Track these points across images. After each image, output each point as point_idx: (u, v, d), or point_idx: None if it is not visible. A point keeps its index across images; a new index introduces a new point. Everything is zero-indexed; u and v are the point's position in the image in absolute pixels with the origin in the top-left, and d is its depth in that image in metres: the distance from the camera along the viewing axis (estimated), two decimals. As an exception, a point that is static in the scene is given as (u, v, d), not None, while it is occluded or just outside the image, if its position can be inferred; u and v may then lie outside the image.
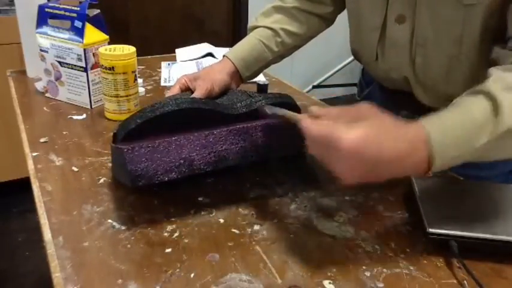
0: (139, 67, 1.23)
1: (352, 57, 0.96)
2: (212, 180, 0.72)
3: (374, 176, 0.52)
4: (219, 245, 0.58)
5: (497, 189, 0.67)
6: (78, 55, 0.94)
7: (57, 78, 1.00)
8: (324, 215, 0.65)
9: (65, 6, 0.96)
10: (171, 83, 1.14)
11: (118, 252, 0.56)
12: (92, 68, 0.96)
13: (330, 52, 3.17)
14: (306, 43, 0.95)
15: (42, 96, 1.03)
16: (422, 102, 0.80)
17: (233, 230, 0.61)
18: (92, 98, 0.98)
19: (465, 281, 0.54)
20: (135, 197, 0.67)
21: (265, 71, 0.96)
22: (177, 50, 1.41)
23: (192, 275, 0.53)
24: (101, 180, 0.71)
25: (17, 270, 1.75)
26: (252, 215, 0.64)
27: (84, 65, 0.95)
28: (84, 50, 0.94)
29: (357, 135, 0.49)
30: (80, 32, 0.94)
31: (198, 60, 1.33)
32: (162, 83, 1.15)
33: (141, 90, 1.06)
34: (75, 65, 0.96)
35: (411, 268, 0.56)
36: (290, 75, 2.97)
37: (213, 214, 0.64)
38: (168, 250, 0.57)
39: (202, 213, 0.64)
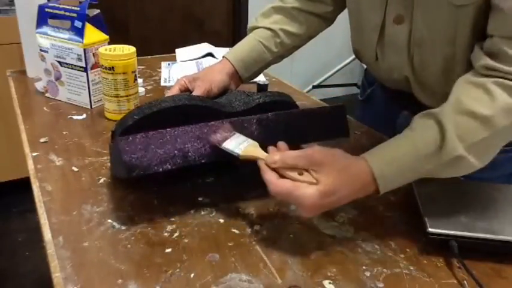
0: (139, 67, 1.23)
1: (352, 57, 0.96)
2: (212, 180, 0.72)
3: (331, 208, 0.58)
4: (219, 245, 0.58)
5: (497, 189, 0.68)
6: (78, 55, 0.94)
7: (57, 78, 1.00)
8: (324, 215, 0.65)
9: (65, 6, 0.96)
10: (171, 83, 1.14)
11: (118, 252, 0.56)
12: (92, 68, 0.96)
13: (330, 52, 3.17)
14: (306, 43, 0.95)
15: (42, 96, 1.03)
16: (422, 102, 0.81)
17: (233, 230, 0.61)
18: (92, 98, 0.98)
19: (465, 281, 0.54)
20: (135, 197, 0.67)
21: (265, 71, 0.96)
22: (177, 50, 1.40)
23: (192, 275, 0.53)
24: (101, 180, 0.71)
25: (17, 270, 1.75)
26: (252, 215, 0.64)
27: (84, 65, 0.95)
28: (84, 50, 0.94)
29: (317, 194, 0.55)
30: (80, 32, 0.94)
31: (198, 60, 1.33)
32: (162, 83, 1.15)
33: (141, 90, 1.06)
34: (75, 65, 0.96)
35: (411, 268, 0.56)
36: (290, 75, 2.97)
37: (213, 214, 0.64)
38: (168, 250, 0.57)
39: (202, 213, 0.64)
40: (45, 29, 0.98)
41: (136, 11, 2.57)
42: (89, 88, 0.97)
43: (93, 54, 0.95)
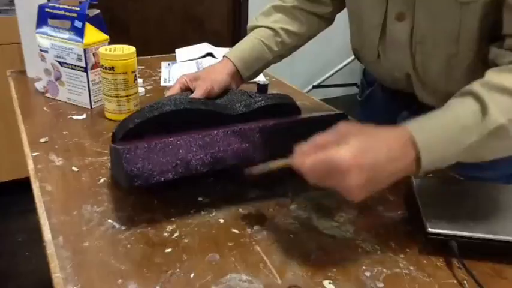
0: (139, 67, 1.23)
1: (352, 57, 0.96)
2: (212, 180, 0.72)
3: (374, 183, 0.54)
4: (219, 245, 0.58)
5: (497, 189, 0.67)
6: (78, 55, 0.94)
7: (57, 78, 1.00)
8: (324, 215, 0.65)
9: (65, 6, 0.96)
10: (171, 83, 1.14)
11: (118, 252, 0.56)
12: (92, 68, 0.96)
13: (330, 52, 3.17)
14: (306, 43, 0.95)
15: (42, 96, 1.03)
16: (423, 101, 0.80)
17: (233, 230, 0.61)
18: (92, 98, 0.98)
19: (465, 281, 0.54)
20: (135, 197, 0.67)
21: (265, 71, 0.96)
22: (177, 50, 1.41)
23: (192, 275, 0.53)
24: (101, 180, 0.71)
25: (17, 270, 1.75)
26: (252, 215, 0.64)
27: (84, 65, 0.95)
28: (84, 50, 0.94)
29: (351, 149, 0.52)
30: (80, 32, 0.94)
31: (198, 60, 1.33)
32: (162, 83, 1.15)
33: (141, 90, 1.06)
34: (75, 65, 0.96)
35: (411, 268, 0.56)
36: (290, 75, 2.97)
37: (213, 214, 0.64)
38: (168, 250, 0.57)
39: (202, 213, 0.64)
40: (45, 29, 0.98)
41: (136, 11, 2.57)
42: (89, 88, 0.97)
43: (93, 54, 0.95)
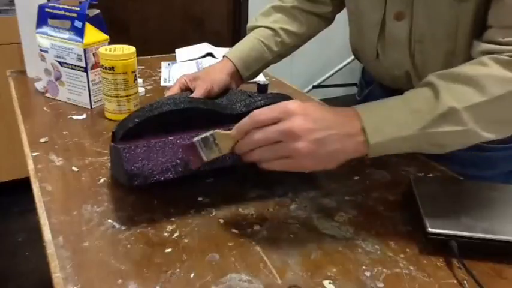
0: (139, 67, 1.23)
1: (352, 57, 0.96)
2: (212, 180, 0.72)
3: (323, 149, 0.55)
4: (219, 245, 0.58)
5: (497, 189, 0.67)
6: (78, 55, 0.94)
7: (57, 78, 1.00)
8: (324, 215, 0.65)
9: (65, 6, 0.96)
10: (171, 83, 1.14)
11: (118, 252, 0.56)
12: (92, 68, 0.96)
13: (330, 52, 3.17)
14: (305, 43, 0.95)
15: (42, 96, 1.03)
16: None
17: (233, 230, 0.61)
18: (92, 98, 0.98)
19: (465, 281, 0.54)
20: (135, 197, 0.67)
21: (265, 71, 0.96)
22: (177, 50, 1.41)
23: (192, 275, 0.53)
24: (101, 180, 0.71)
25: (17, 270, 1.75)
26: (252, 215, 0.64)
27: (84, 65, 0.95)
28: (84, 50, 0.94)
29: (298, 103, 0.55)
30: (80, 32, 0.94)
31: (198, 60, 1.33)
32: (162, 83, 1.15)
33: (141, 90, 1.06)
34: (75, 65, 0.96)
35: (411, 268, 0.56)
36: (290, 75, 2.97)
37: (213, 214, 0.64)
38: (168, 250, 0.57)
39: (202, 213, 0.64)
40: (45, 29, 0.98)
41: (136, 11, 2.57)
42: (89, 88, 0.97)
43: (93, 54, 0.95)
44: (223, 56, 0.89)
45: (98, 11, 0.98)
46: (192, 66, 1.28)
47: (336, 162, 0.57)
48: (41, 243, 0.58)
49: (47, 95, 1.03)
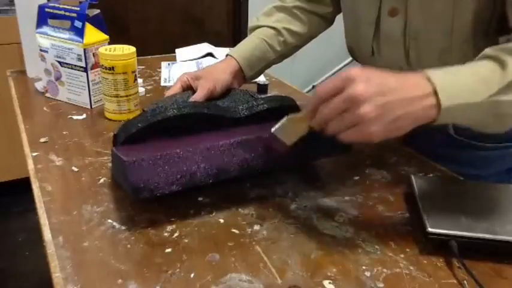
0: (139, 67, 1.23)
1: (351, 58, 0.96)
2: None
3: (390, 113, 0.52)
4: (219, 245, 0.58)
5: (497, 189, 0.68)
6: (78, 55, 0.94)
7: (57, 78, 1.00)
8: (324, 215, 0.65)
9: (65, 6, 0.96)
10: (171, 83, 1.14)
11: (118, 252, 0.56)
12: (92, 68, 0.96)
13: (330, 52, 3.17)
14: (307, 43, 0.95)
15: (42, 96, 1.03)
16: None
17: (233, 230, 0.61)
18: (92, 98, 0.98)
19: (465, 281, 0.54)
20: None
21: (265, 71, 0.96)
22: (177, 50, 1.41)
23: (192, 275, 0.53)
24: (101, 180, 0.71)
25: (17, 270, 1.75)
26: (252, 215, 0.64)
27: (84, 65, 0.95)
28: (84, 50, 0.94)
29: (360, 68, 0.53)
30: (80, 32, 0.94)
31: (198, 60, 1.33)
32: (162, 83, 1.15)
33: (141, 90, 1.06)
34: (75, 65, 0.96)
35: (411, 268, 0.56)
36: (290, 75, 2.97)
37: (213, 214, 0.64)
38: (168, 250, 0.57)
39: (202, 213, 0.64)
40: (45, 29, 0.98)
41: (136, 11, 2.57)
42: (89, 88, 0.97)
43: (93, 54, 0.95)
44: (226, 55, 0.89)
45: (98, 11, 0.98)
46: (192, 66, 1.28)
47: (404, 129, 0.54)
48: (41, 243, 0.58)
49: (47, 95, 1.03)
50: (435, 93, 0.53)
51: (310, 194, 0.70)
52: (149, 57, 1.35)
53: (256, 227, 0.62)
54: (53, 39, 0.96)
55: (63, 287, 0.50)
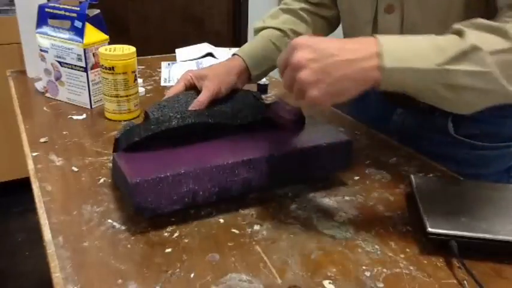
0: (139, 67, 1.23)
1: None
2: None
3: (329, 78, 0.54)
4: (219, 245, 0.58)
5: (497, 189, 0.68)
6: (78, 55, 0.94)
7: (57, 78, 1.00)
8: (324, 215, 0.65)
9: (65, 6, 0.96)
10: (171, 83, 1.14)
11: (118, 252, 0.56)
12: (92, 68, 0.96)
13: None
14: None
15: (42, 96, 1.03)
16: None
17: (233, 230, 0.61)
18: (92, 98, 0.98)
19: (465, 281, 0.54)
20: (135, 197, 0.67)
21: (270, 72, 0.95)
22: (177, 50, 1.41)
23: (192, 275, 0.53)
24: (101, 180, 0.71)
25: (17, 270, 1.75)
26: (252, 215, 0.64)
27: (84, 65, 0.95)
28: (84, 50, 0.94)
29: (306, 37, 0.56)
30: (80, 32, 0.94)
31: (198, 60, 1.33)
32: (162, 83, 1.15)
33: (141, 90, 1.06)
34: (75, 65, 0.96)
35: (411, 268, 0.56)
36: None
37: (213, 214, 0.64)
38: (168, 250, 0.57)
39: (202, 213, 0.64)
40: (45, 29, 0.98)
41: (137, 11, 2.57)
42: (89, 88, 0.97)
43: (93, 54, 0.95)
44: (233, 54, 0.88)
45: (98, 11, 0.98)
46: (192, 66, 1.28)
47: (348, 91, 0.55)
48: (41, 243, 0.58)
49: (47, 95, 1.03)
50: (380, 55, 0.53)
51: (310, 194, 0.70)
52: (149, 57, 1.35)
53: (256, 227, 0.62)
54: (53, 39, 0.96)
55: (63, 287, 0.50)
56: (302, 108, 0.62)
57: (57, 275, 0.52)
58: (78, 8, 0.94)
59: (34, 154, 0.78)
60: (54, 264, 0.53)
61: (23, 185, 1.13)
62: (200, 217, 0.63)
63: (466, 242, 0.56)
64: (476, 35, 0.54)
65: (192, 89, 0.82)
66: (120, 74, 0.89)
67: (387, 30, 0.77)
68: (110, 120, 0.93)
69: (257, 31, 0.92)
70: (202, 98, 0.77)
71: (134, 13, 2.56)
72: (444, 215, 0.60)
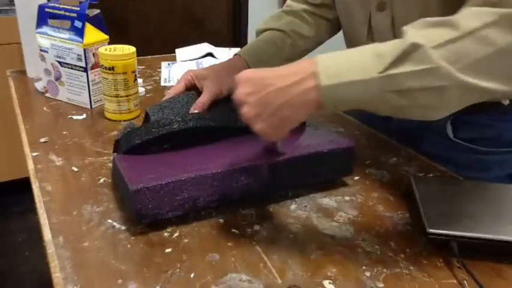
0: (139, 67, 1.23)
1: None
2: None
3: (271, 107, 0.53)
4: (219, 245, 0.58)
5: (497, 189, 0.68)
6: (78, 55, 0.94)
7: (57, 78, 1.00)
8: (324, 215, 0.65)
9: (65, 6, 0.96)
10: (171, 83, 1.14)
11: (118, 252, 0.56)
12: (92, 68, 0.96)
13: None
14: (316, 47, 0.95)
15: (42, 96, 1.03)
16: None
17: (233, 230, 0.61)
18: (92, 98, 0.98)
19: (465, 281, 0.54)
20: (135, 197, 0.67)
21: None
22: (177, 50, 1.41)
23: (192, 275, 0.53)
24: (101, 180, 0.71)
25: (17, 270, 1.75)
26: (252, 215, 0.64)
27: (84, 65, 0.95)
28: (84, 50, 0.94)
29: (247, 71, 0.57)
30: (80, 32, 0.94)
31: (198, 60, 1.33)
32: (162, 83, 1.15)
33: (141, 90, 1.06)
34: (75, 65, 0.96)
35: (411, 268, 0.56)
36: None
37: (213, 214, 0.64)
38: (168, 250, 0.57)
39: (202, 213, 0.64)
40: (45, 29, 0.98)
41: (137, 11, 2.57)
42: (89, 88, 0.97)
43: (93, 54, 0.95)
44: (235, 54, 0.88)
45: (98, 11, 0.98)
46: (192, 66, 1.28)
47: (292, 119, 0.54)
48: (41, 243, 0.58)
49: (47, 95, 1.03)
50: (316, 74, 0.52)
51: (310, 194, 0.70)
52: (149, 57, 1.35)
53: (256, 227, 0.62)
54: (53, 39, 0.96)
55: (63, 287, 0.50)
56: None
57: (57, 275, 0.52)
58: (78, 8, 0.94)
59: (34, 154, 0.78)
60: (54, 264, 0.53)
61: (23, 185, 1.13)
62: (200, 217, 0.63)
63: (466, 242, 0.56)
64: (417, 33, 0.52)
65: (193, 89, 0.82)
66: (120, 74, 0.89)
67: (380, 29, 0.77)
68: (110, 120, 0.93)
69: (259, 33, 0.92)
70: (203, 99, 0.77)
71: (134, 13, 2.56)
72: (444, 215, 0.60)
